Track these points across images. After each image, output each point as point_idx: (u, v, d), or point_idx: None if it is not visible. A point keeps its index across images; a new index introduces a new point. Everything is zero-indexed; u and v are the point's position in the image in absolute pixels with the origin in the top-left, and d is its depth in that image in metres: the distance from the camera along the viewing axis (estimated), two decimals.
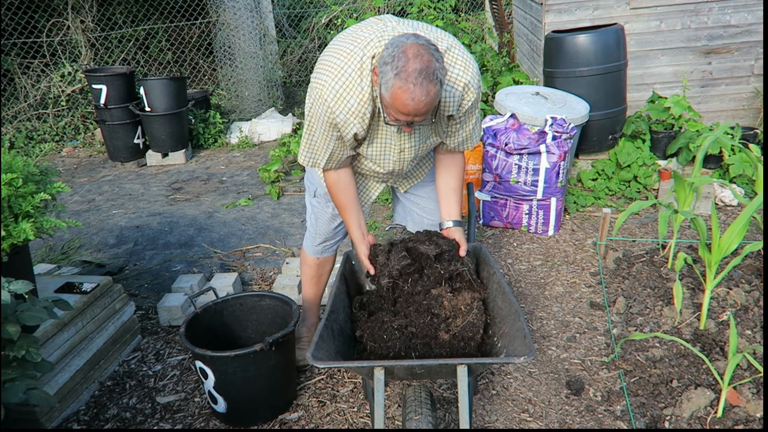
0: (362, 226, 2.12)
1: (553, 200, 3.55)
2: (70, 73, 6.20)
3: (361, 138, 1.94)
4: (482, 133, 2.15)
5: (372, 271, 2.04)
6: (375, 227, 3.85)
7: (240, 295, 2.43)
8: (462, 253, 2.06)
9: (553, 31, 4.28)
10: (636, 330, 2.65)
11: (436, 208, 2.30)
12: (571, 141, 3.55)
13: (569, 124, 3.53)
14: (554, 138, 3.45)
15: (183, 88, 5.32)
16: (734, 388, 2.16)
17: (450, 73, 1.82)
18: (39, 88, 6.18)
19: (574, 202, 3.91)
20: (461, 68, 1.84)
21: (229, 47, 6.48)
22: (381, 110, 1.81)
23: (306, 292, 2.58)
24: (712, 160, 4.11)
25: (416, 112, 1.66)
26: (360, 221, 2.12)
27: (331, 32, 6.46)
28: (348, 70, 1.79)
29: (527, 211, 3.62)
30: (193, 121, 5.82)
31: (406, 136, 1.97)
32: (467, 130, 2.04)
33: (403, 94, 1.62)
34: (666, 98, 4.18)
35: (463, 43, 4.64)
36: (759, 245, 2.48)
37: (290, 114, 6.38)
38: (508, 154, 3.53)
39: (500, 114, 3.78)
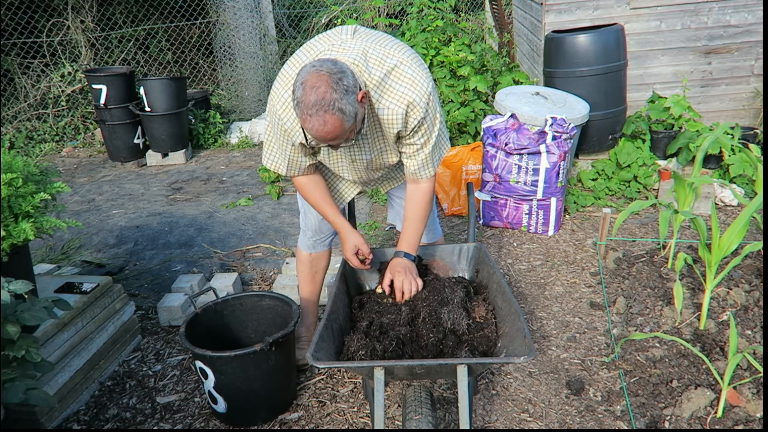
0: (343, 219, 2.19)
1: (553, 200, 3.55)
2: (70, 73, 6.20)
3: (310, 146, 1.97)
4: (439, 164, 2.14)
5: (359, 264, 2.14)
6: (375, 227, 3.85)
7: (240, 295, 2.43)
8: (407, 293, 2.03)
9: (553, 31, 4.28)
10: (636, 330, 2.65)
11: None
12: (571, 141, 3.55)
13: (569, 124, 3.53)
14: (554, 138, 3.45)
15: (183, 88, 5.32)
16: (734, 388, 2.16)
17: (394, 91, 1.82)
18: (39, 88, 6.19)
19: (574, 202, 3.91)
20: (407, 86, 1.83)
21: (229, 47, 6.49)
22: None
23: (303, 290, 2.59)
24: (712, 160, 4.10)
25: (323, 138, 1.71)
26: (336, 212, 2.17)
27: None
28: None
29: (527, 211, 3.62)
30: (193, 121, 5.82)
31: (353, 149, 2.00)
32: (424, 154, 1.99)
33: (304, 123, 1.68)
34: (666, 98, 4.18)
35: (463, 43, 4.67)
36: (759, 245, 2.48)
37: None
38: (508, 154, 3.53)
39: (500, 114, 3.78)
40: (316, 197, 2.15)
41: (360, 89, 1.72)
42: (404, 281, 2.03)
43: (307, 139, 1.88)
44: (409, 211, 2.11)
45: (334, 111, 1.64)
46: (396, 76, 1.83)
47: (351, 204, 2.44)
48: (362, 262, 2.19)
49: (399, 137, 1.97)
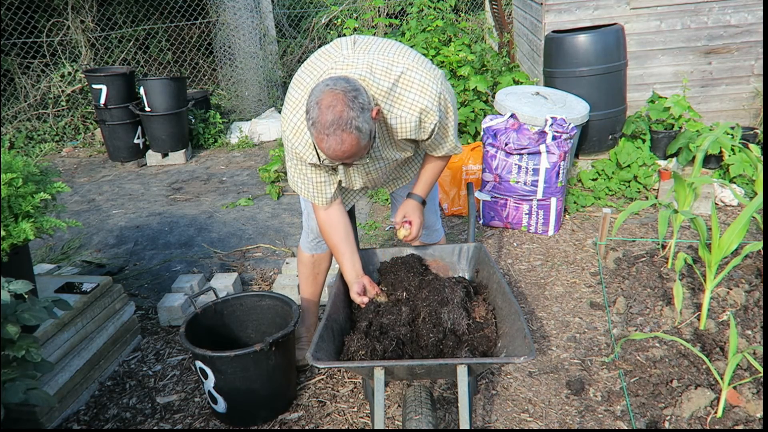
0: (357, 266, 2.08)
1: (553, 200, 3.55)
2: (70, 73, 6.20)
3: (323, 165, 1.96)
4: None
5: (363, 305, 2.03)
6: (375, 227, 3.85)
7: (240, 295, 2.43)
8: (414, 232, 2.12)
9: (553, 31, 4.28)
10: (636, 330, 2.65)
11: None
12: (571, 141, 3.55)
13: (569, 124, 3.53)
14: (554, 138, 3.45)
15: (183, 88, 5.32)
16: (734, 388, 2.16)
17: (405, 100, 1.82)
18: (39, 88, 6.18)
19: (574, 202, 3.91)
20: (417, 92, 1.82)
21: (229, 47, 6.49)
22: None
23: (303, 291, 2.58)
24: (712, 160, 4.10)
25: (339, 158, 1.70)
26: (354, 261, 2.08)
27: (331, 32, 6.46)
28: (302, 104, 1.84)
29: (527, 211, 3.62)
30: (193, 121, 5.82)
31: (368, 160, 1.99)
32: (449, 141, 2.04)
33: (320, 143, 1.67)
34: (666, 98, 4.18)
35: (463, 43, 4.67)
36: (759, 245, 2.48)
37: None
38: (508, 154, 3.53)
39: (500, 114, 3.78)
40: (336, 239, 2.10)
41: (373, 106, 1.71)
42: (420, 224, 2.15)
43: (320, 159, 1.87)
44: (430, 168, 2.17)
45: (352, 130, 1.63)
46: (404, 83, 1.82)
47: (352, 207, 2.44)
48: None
49: (417, 140, 1.98)
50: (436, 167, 2.18)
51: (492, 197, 3.70)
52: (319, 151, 1.78)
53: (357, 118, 1.63)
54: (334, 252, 2.13)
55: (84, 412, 2.36)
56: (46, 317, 1.70)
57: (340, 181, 2.10)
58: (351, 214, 2.45)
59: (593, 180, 4.14)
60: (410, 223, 2.15)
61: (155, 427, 2.27)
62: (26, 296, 1.72)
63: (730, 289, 2.79)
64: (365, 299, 2.03)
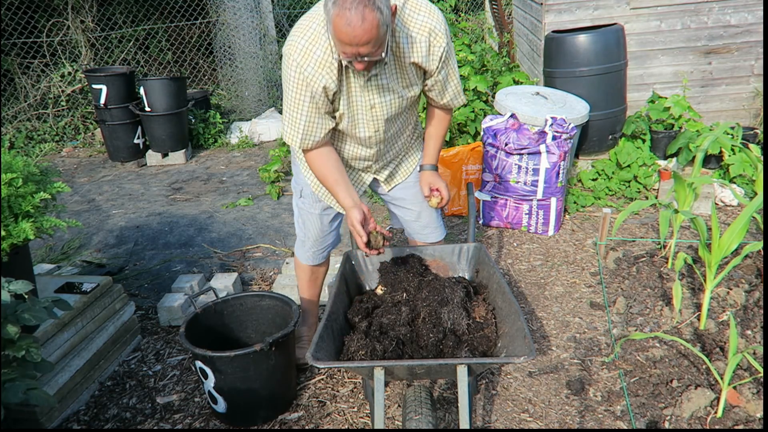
0: (352, 193, 1.99)
1: (553, 200, 3.55)
2: (70, 73, 6.20)
3: (332, 92, 1.90)
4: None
5: (363, 239, 1.91)
6: None
7: (240, 295, 2.43)
8: (445, 195, 2.16)
9: (553, 31, 4.28)
10: (636, 330, 2.65)
11: (420, 210, 2.34)
12: (571, 141, 3.55)
13: (569, 124, 3.53)
14: (554, 138, 3.45)
15: (183, 88, 5.32)
16: (734, 388, 2.16)
17: (414, 20, 1.84)
18: (39, 88, 6.19)
19: (574, 202, 3.91)
20: (425, 14, 1.85)
21: (229, 47, 6.49)
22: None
23: (303, 292, 2.58)
24: (712, 160, 4.10)
25: (356, 40, 1.65)
26: (349, 189, 1.99)
27: None
28: (312, 26, 1.84)
29: (527, 211, 3.62)
30: (193, 121, 5.82)
31: (373, 90, 1.94)
32: (454, 85, 2.06)
33: (340, 20, 1.63)
34: (666, 98, 4.18)
35: (463, 43, 4.67)
36: (759, 245, 2.48)
37: None
38: (508, 154, 3.53)
39: (500, 114, 3.78)
40: (329, 169, 2.01)
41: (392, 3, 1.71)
42: (446, 186, 2.19)
43: (333, 53, 1.81)
44: (435, 129, 2.21)
45: (374, 8, 1.61)
46: (411, 6, 1.85)
47: None
48: (370, 246, 1.95)
49: (425, 73, 1.97)
50: (440, 128, 2.20)
51: (492, 197, 3.70)
52: (334, 42, 1.72)
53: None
54: (326, 183, 2.03)
55: (84, 412, 2.36)
56: (46, 317, 1.70)
57: (336, 129, 2.04)
58: None
59: (593, 180, 4.14)
60: (437, 190, 2.18)
61: (155, 427, 2.27)
62: (26, 296, 1.72)
63: (730, 289, 2.79)
64: (364, 235, 1.91)
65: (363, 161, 2.20)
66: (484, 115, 4.39)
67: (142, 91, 5.14)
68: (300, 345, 2.53)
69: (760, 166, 2.92)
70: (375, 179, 2.31)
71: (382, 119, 2.04)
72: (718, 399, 2.14)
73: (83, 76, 6.05)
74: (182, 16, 6.94)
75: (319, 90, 1.87)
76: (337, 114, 2.01)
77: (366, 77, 1.88)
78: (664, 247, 3.26)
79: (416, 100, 2.14)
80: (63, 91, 6.16)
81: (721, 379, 2.16)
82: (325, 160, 2.02)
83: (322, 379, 2.46)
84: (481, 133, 3.70)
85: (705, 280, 2.57)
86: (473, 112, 4.46)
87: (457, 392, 2.23)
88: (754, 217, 3.42)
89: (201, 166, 5.37)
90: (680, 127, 4.18)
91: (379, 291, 2.17)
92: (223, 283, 3.04)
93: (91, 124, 6.27)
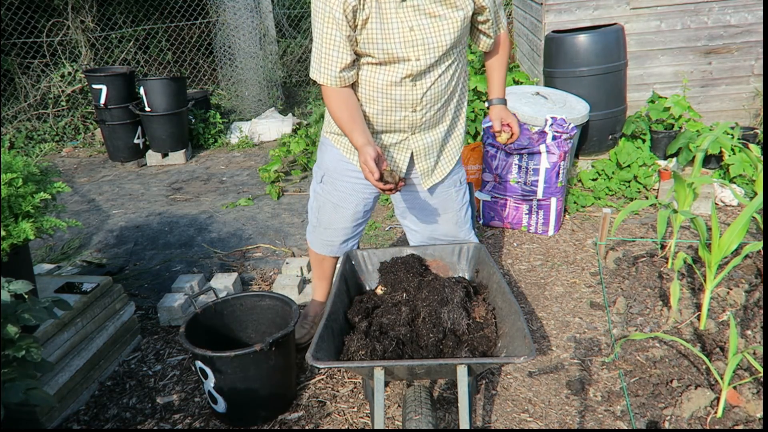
0: (368, 134, 1.93)
1: (553, 200, 3.55)
2: (70, 73, 6.20)
3: (356, 10, 1.84)
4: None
5: (375, 175, 1.82)
6: (375, 227, 3.85)
7: (240, 295, 2.43)
8: (516, 130, 2.17)
9: (553, 31, 4.28)
10: (636, 330, 2.65)
11: (445, 216, 2.32)
12: (571, 141, 3.55)
13: (569, 124, 3.53)
14: (554, 138, 3.45)
15: (183, 88, 5.32)
16: (734, 388, 2.16)
17: None
18: (39, 88, 6.19)
19: (574, 202, 3.91)
20: None
21: (229, 47, 6.48)
22: None
23: (313, 278, 2.68)
24: (712, 160, 4.10)
25: None
26: (365, 130, 1.93)
27: None
28: None
29: (527, 211, 3.62)
30: (193, 121, 5.82)
31: (409, 11, 1.87)
32: (502, 11, 2.06)
33: None
34: (666, 98, 4.18)
35: None
36: (759, 245, 2.48)
37: (290, 114, 6.37)
38: (508, 154, 3.53)
39: None
40: (348, 111, 1.96)
41: None
42: (516, 122, 2.20)
43: None
44: (497, 60, 2.21)
45: None
46: None
47: None
48: (383, 180, 1.85)
49: (473, 12, 1.95)
50: (503, 56, 2.19)
51: (492, 197, 3.70)
52: None
53: None
54: (342, 124, 1.98)
55: (84, 412, 2.36)
56: (46, 317, 1.70)
57: (355, 65, 1.97)
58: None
59: (593, 180, 4.14)
60: (508, 125, 2.18)
61: (155, 427, 2.27)
62: (26, 296, 1.72)
63: (730, 289, 2.79)
64: (376, 171, 1.81)
65: (400, 122, 2.07)
66: (484, 115, 4.39)
67: (142, 91, 5.14)
68: (302, 324, 2.67)
69: (760, 166, 2.92)
70: (409, 173, 2.22)
71: (423, 46, 1.92)
72: (718, 399, 2.14)
73: (83, 76, 6.05)
74: (182, 16, 6.94)
75: (349, 9, 1.81)
76: (370, 45, 1.92)
77: None
78: (664, 247, 3.26)
79: (463, 49, 2.06)
80: (63, 91, 6.16)
81: (721, 379, 2.16)
82: (345, 101, 1.98)
83: (322, 379, 2.47)
84: (481, 133, 3.70)
85: (705, 280, 2.57)
86: (473, 112, 4.46)
87: (457, 392, 2.23)
88: (754, 217, 3.42)
89: (201, 166, 5.37)
90: (680, 127, 4.18)
91: (379, 291, 2.17)
92: (223, 283, 3.04)
93: (91, 124, 6.27)
